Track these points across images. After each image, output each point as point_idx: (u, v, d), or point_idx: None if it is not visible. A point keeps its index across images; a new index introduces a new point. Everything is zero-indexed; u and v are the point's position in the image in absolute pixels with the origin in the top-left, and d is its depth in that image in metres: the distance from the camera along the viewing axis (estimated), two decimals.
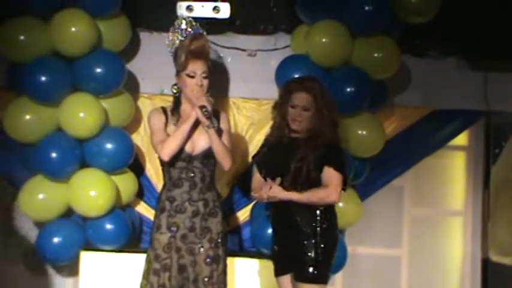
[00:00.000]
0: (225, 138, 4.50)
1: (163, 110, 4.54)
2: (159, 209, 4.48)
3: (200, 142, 4.45)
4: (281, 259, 4.49)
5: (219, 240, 4.46)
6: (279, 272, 4.52)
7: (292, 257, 4.41)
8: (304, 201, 4.35)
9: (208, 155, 4.46)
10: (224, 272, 4.48)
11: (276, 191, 4.36)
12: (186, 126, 4.39)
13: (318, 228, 4.36)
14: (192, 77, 4.43)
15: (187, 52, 4.42)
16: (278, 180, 4.38)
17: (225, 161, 4.45)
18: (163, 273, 4.40)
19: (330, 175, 4.37)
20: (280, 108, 4.49)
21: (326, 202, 4.39)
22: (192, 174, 4.44)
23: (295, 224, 4.39)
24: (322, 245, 4.35)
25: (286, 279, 4.47)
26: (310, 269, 4.34)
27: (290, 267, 4.44)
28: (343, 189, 4.42)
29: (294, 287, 4.42)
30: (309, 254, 4.35)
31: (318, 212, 4.38)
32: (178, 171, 4.45)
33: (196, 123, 4.42)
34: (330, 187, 4.35)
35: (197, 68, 4.42)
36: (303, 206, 4.37)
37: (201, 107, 4.36)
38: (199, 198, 4.45)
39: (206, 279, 4.41)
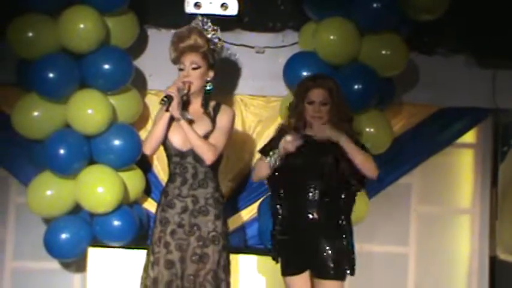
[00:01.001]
0: (216, 132, 4.39)
1: None
2: (158, 204, 4.51)
3: None
4: (295, 258, 4.42)
5: (209, 239, 4.36)
6: (292, 272, 4.44)
7: (310, 255, 4.37)
8: (355, 152, 4.31)
9: None
10: (214, 271, 4.34)
11: (325, 126, 4.33)
12: (161, 120, 4.35)
13: (341, 224, 4.35)
14: (182, 69, 4.42)
15: (177, 48, 4.42)
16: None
17: (203, 155, 4.34)
18: (157, 267, 4.39)
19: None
20: (296, 108, 4.46)
21: (370, 171, 4.38)
22: (184, 170, 4.40)
23: (314, 222, 4.35)
24: (344, 242, 4.35)
25: (301, 278, 4.41)
26: (332, 266, 4.31)
27: (307, 265, 4.40)
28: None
29: (314, 284, 4.38)
30: (331, 251, 4.32)
31: (341, 208, 4.37)
32: (173, 166, 4.43)
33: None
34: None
35: (186, 60, 4.40)
36: (323, 203, 4.34)
37: (164, 96, 4.31)
38: (188, 195, 4.39)
39: (191, 277, 4.34)
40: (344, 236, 4.37)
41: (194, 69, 4.41)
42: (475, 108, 5.66)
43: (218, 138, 4.40)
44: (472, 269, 5.84)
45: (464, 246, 5.87)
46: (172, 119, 4.37)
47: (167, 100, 4.28)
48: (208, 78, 4.47)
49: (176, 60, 4.46)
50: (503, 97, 5.64)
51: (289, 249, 4.45)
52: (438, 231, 5.83)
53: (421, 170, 5.73)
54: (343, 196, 4.41)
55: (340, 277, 4.35)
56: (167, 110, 4.31)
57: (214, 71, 4.51)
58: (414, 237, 5.79)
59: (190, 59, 4.41)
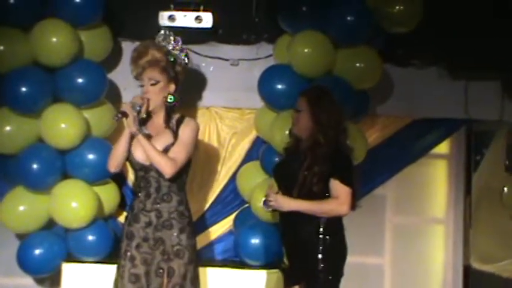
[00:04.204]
0: (176, 146, 4.35)
1: None
2: (125, 217, 4.50)
3: None
4: (288, 272, 4.46)
5: (174, 253, 4.35)
6: (286, 284, 4.48)
7: (298, 270, 4.36)
8: (312, 212, 4.27)
9: None
10: (180, 285, 4.32)
11: (280, 201, 4.31)
12: (122, 138, 4.36)
13: (321, 243, 4.29)
14: (142, 86, 4.41)
15: (136, 68, 4.41)
16: (275, 189, 4.35)
17: (162, 169, 4.32)
18: (122, 281, 4.37)
19: (337, 188, 4.27)
20: None
21: (335, 214, 4.31)
22: (148, 184, 4.39)
23: (300, 238, 4.32)
24: (327, 259, 4.29)
25: None
26: (315, 282, 4.28)
27: (297, 279, 4.38)
28: (355, 205, 4.34)
29: None
30: (313, 266, 4.28)
31: (320, 223, 4.30)
32: (138, 181, 4.43)
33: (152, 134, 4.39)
34: (339, 199, 4.26)
35: (145, 76, 4.39)
36: (305, 218, 4.29)
37: (119, 113, 4.33)
38: (152, 209, 4.37)
39: None
40: (328, 251, 4.30)
41: (153, 85, 4.39)
42: (449, 119, 5.70)
43: (178, 151, 4.36)
44: (446, 279, 5.89)
45: (438, 256, 5.91)
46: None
47: (121, 116, 4.30)
48: (170, 92, 4.43)
49: (138, 77, 4.44)
50: (475, 108, 5.69)
51: (287, 261, 4.46)
52: (413, 241, 5.86)
53: (396, 180, 5.75)
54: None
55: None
56: (119, 116, 4.29)
57: (176, 83, 4.46)
58: (389, 248, 5.82)
59: (148, 75, 4.39)
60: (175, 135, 4.39)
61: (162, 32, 4.55)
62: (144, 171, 4.39)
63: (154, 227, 4.37)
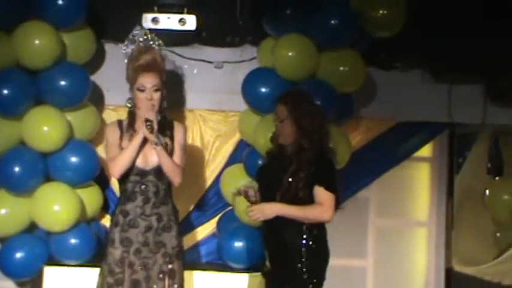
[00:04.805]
0: (177, 152, 4.42)
1: (119, 123, 4.50)
2: (113, 223, 4.45)
3: (153, 157, 4.39)
4: (271, 277, 4.43)
5: (174, 255, 4.40)
6: None
7: (281, 273, 4.34)
8: (296, 217, 4.25)
9: (162, 169, 4.40)
10: (181, 286, 4.41)
11: (264, 211, 4.26)
12: (134, 144, 4.34)
13: (304, 246, 4.27)
14: (142, 90, 4.38)
15: (136, 66, 4.41)
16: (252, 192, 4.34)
17: (174, 178, 4.38)
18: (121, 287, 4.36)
19: (321, 195, 4.25)
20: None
21: (318, 221, 4.30)
22: (146, 188, 4.39)
23: (283, 242, 4.30)
24: (310, 263, 4.28)
25: None
26: (298, 286, 4.26)
27: (280, 283, 4.37)
28: (337, 207, 4.31)
29: None
30: (296, 270, 4.25)
31: (304, 229, 4.28)
32: (132, 185, 4.40)
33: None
34: (324, 206, 4.25)
35: (147, 81, 4.38)
36: (288, 221, 4.26)
37: (146, 121, 4.31)
38: (152, 213, 4.39)
39: None
40: (312, 257, 4.29)
41: (156, 91, 4.39)
42: (432, 122, 5.73)
43: (180, 158, 4.44)
44: (428, 281, 5.92)
45: (421, 258, 5.94)
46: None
47: (150, 124, 4.29)
48: (164, 98, 4.46)
49: (133, 79, 4.42)
50: (458, 111, 5.72)
51: (269, 266, 4.43)
52: (396, 244, 5.89)
53: (379, 183, 5.77)
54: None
55: None
56: (152, 133, 4.30)
57: (166, 89, 4.51)
58: (372, 251, 5.84)
59: (152, 82, 4.38)
60: (171, 140, 4.43)
61: (141, 29, 4.56)
62: (141, 175, 4.39)
63: (155, 230, 4.39)
